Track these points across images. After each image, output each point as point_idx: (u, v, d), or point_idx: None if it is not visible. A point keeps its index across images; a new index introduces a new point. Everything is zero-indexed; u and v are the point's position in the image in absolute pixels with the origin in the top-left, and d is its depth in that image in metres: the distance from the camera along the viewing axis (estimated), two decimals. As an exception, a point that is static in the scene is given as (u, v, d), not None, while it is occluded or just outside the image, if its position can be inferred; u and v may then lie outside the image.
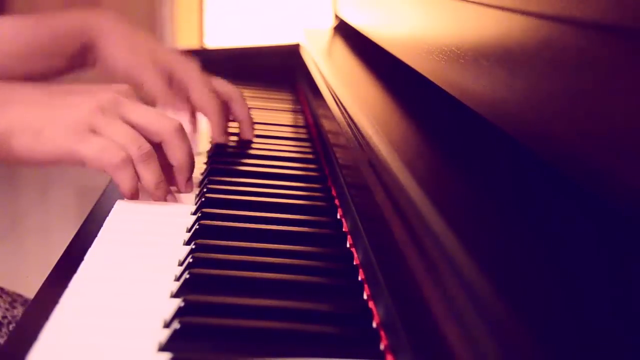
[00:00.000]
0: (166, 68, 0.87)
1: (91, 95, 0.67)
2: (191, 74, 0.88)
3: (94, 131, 0.65)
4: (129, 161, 0.65)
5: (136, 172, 0.66)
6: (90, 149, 0.64)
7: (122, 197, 0.70)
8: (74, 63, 0.86)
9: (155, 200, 0.68)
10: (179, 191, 0.72)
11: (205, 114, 0.87)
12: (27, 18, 0.88)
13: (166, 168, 0.70)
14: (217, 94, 0.88)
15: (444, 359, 0.36)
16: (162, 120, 0.69)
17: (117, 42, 0.87)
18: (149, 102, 0.78)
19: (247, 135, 0.91)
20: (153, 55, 0.88)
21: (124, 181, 0.65)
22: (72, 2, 3.26)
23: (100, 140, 0.64)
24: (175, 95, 0.87)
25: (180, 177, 0.71)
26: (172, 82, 0.87)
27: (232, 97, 0.91)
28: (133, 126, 0.67)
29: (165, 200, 0.69)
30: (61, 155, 0.64)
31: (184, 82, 0.87)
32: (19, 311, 0.76)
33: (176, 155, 0.69)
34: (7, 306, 0.76)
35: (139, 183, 0.67)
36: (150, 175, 0.66)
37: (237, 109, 0.91)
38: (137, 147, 0.66)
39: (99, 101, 0.66)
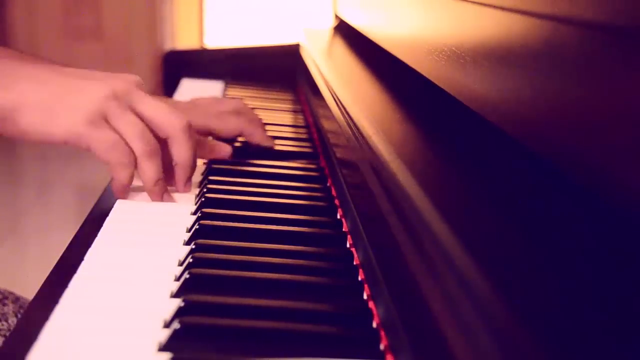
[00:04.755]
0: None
1: (105, 82, 0.67)
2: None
3: (105, 119, 0.65)
4: (133, 161, 0.66)
5: (137, 169, 0.66)
6: (101, 142, 0.64)
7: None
8: None
9: (152, 198, 0.69)
10: (177, 190, 0.72)
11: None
12: None
13: (166, 167, 0.70)
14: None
15: (444, 359, 0.36)
16: (172, 115, 0.69)
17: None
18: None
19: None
20: None
21: (122, 179, 0.66)
22: (72, 2, 3.26)
23: (111, 134, 0.65)
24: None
25: (181, 176, 0.71)
26: None
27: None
28: (143, 119, 0.67)
29: (161, 199, 0.69)
30: (71, 138, 0.64)
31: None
32: (9, 308, 0.76)
33: (181, 153, 0.70)
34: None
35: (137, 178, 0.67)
36: (151, 171, 0.67)
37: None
38: (144, 142, 0.66)
39: (113, 89, 0.66)
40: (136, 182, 0.69)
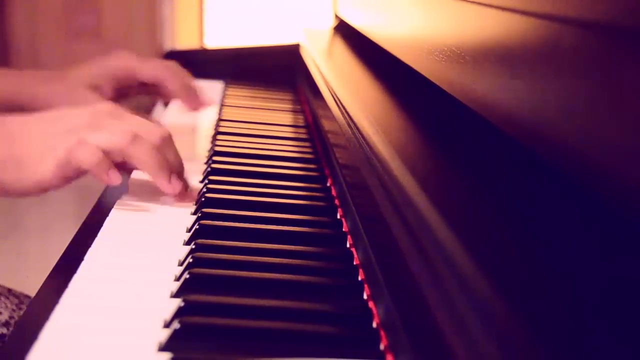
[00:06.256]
0: None
1: (68, 121, 0.66)
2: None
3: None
4: (84, 142, 0.63)
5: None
6: (55, 156, 0.63)
7: (121, 197, 0.70)
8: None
9: (160, 185, 0.67)
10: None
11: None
12: None
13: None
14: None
15: (444, 359, 0.36)
16: (146, 129, 0.67)
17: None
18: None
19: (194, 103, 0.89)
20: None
21: (84, 158, 0.63)
22: (72, 2, 3.26)
23: (73, 143, 0.63)
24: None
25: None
26: None
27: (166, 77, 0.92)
28: None
29: (169, 182, 0.67)
30: (43, 181, 0.64)
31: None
32: None
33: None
34: (14, 307, 0.76)
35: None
36: (144, 153, 0.65)
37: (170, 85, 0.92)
38: (122, 136, 0.64)
39: (76, 124, 0.65)
40: (135, 183, 0.68)
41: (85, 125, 0.65)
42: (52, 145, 0.64)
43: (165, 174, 0.67)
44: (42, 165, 0.63)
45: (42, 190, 0.65)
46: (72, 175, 0.65)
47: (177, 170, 0.69)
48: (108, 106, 0.69)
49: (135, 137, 0.65)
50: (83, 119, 0.66)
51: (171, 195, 0.69)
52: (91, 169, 0.64)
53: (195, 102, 0.99)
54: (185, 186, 0.71)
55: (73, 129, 0.65)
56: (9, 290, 0.79)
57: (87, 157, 0.63)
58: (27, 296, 0.80)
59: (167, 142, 0.68)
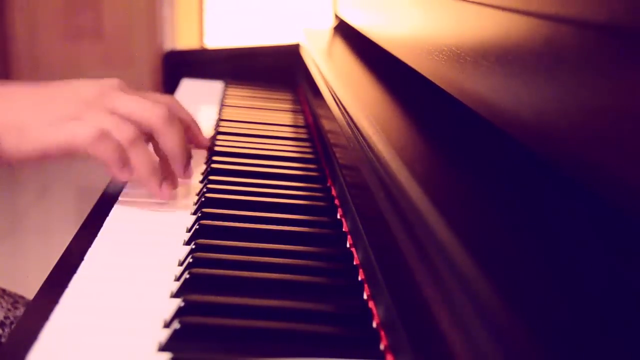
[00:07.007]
0: None
1: (75, 91, 0.66)
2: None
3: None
4: (108, 135, 0.63)
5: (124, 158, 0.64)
6: (67, 131, 0.62)
7: (121, 196, 0.70)
8: None
9: (150, 191, 0.67)
10: (179, 177, 0.70)
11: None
12: None
13: (165, 162, 0.69)
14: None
15: (444, 359, 0.36)
16: (150, 107, 0.67)
17: None
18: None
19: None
20: None
21: (105, 153, 0.62)
22: (72, 2, 3.26)
23: (76, 122, 0.63)
24: None
25: (177, 165, 0.70)
26: None
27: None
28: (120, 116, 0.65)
29: (159, 190, 0.67)
30: (45, 149, 0.63)
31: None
32: (21, 312, 0.76)
33: (167, 143, 0.68)
34: (10, 307, 0.76)
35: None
36: (140, 160, 0.65)
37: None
38: (120, 131, 0.64)
39: (83, 95, 0.65)
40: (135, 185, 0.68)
41: (94, 100, 0.65)
42: (61, 115, 0.63)
43: (156, 181, 0.67)
44: (50, 135, 0.63)
45: (43, 158, 0.64)
46: (77, 153, 0.65)
47: (179, 152, 0.69)
48: (114, 81, 0.68)
49: (134, 141, 0.64)
50: (92, 92, 0.65)
51: (161, 199, 0.69)
52: (108, 163, 0.64)
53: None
54: (189, 159, 0.71)
55: (84, 102, 0.64)
56: (4, 290, 0.79)
57: (108, 154, 0.63)
58: (21, 297, 0.80)
59: (170, 123, 0.68)
